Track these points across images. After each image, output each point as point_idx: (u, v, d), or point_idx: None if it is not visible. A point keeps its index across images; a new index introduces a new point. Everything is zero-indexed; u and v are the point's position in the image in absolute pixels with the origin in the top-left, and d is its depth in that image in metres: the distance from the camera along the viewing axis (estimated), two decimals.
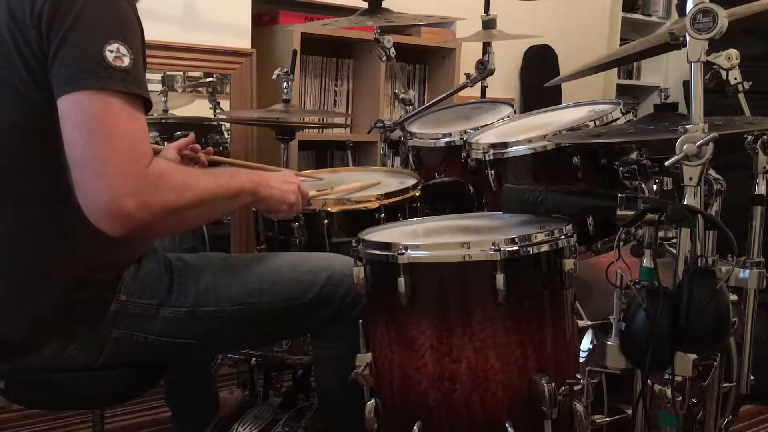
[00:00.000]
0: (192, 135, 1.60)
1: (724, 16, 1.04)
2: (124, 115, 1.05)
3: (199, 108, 2.57)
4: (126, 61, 1.06)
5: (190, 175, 1.16)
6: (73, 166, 1.05)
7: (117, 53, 1.06)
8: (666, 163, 1.07)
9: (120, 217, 1.03)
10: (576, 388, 1.18)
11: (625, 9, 4.12)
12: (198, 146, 1.61)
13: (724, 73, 1.42)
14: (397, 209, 1.59)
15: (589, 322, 1.42)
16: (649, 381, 1.10)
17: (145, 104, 1.10)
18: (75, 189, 1.05)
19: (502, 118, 1.77)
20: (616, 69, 4.07)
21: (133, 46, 1.08)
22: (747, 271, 1.39)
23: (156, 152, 1.54)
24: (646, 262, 1.13)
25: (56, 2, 1.05)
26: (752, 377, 1.47)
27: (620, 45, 3.95)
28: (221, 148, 2.51)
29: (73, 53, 1.05)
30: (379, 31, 2.02)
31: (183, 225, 1.24)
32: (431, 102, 2.04)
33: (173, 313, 1.26)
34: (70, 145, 1.05)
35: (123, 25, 1.09)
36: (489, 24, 2.11)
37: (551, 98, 3.36)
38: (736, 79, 1.43)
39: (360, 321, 1.29)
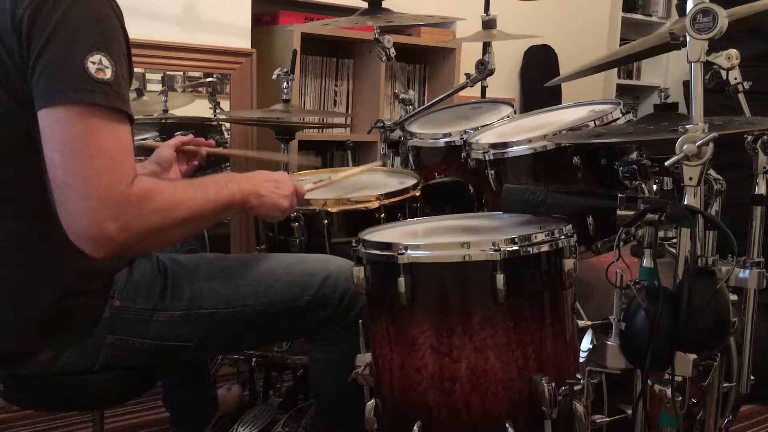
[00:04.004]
0: (191, 136, 1.59)
1: (724, 16, 1.04)
2: (105, 132, 1.02)
3: (199, 108, 2.57)
4: (108, 74, 1.03)
5: (176, 192, 1.12)
6: (55, 187, 1.02)
7: (99, 65, 1.02)
8: (666, 163, 1.07)
9: (101, 241, 1.02)
10: (576, 388, 1.18)
11: (625, 9, 4.12)
12: (202, 139, 1.60)
13: (724, 73, 1.42)
14: (397, 209, 1.59)
15: (589, 322, 1.42)
16: (649, 381, 1.10)
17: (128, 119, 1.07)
18: (57, 209, 1.03)
19: (502, 118, 1.77)
20: (616, 69, 4.07)
21: (116, 58, 1.04)
22: (747, 271, 1.39)
23: (151, 150, 1.54)
24: (646, 262, 1.13)
25: (37, 8, 1.01)
26: (752, 377, 1.47)
27: (620, 45, 3.95)
28: (220, 148, 2.51)
29: (54, 63, 1.01)
30: (379, 31, 2.02)
31: (169, 242, 1.22)
32: (431, 102, 2.04)
33: (168, 317, 1.25)
34: (51, 166, 1.02)
35: (107, 35, 1.05)
36: (489, 24, 2.11)
37: (551, 98, 3.36)
38: (736, 79, 1.43)
39: (356, 324, 1.29)
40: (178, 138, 1.56)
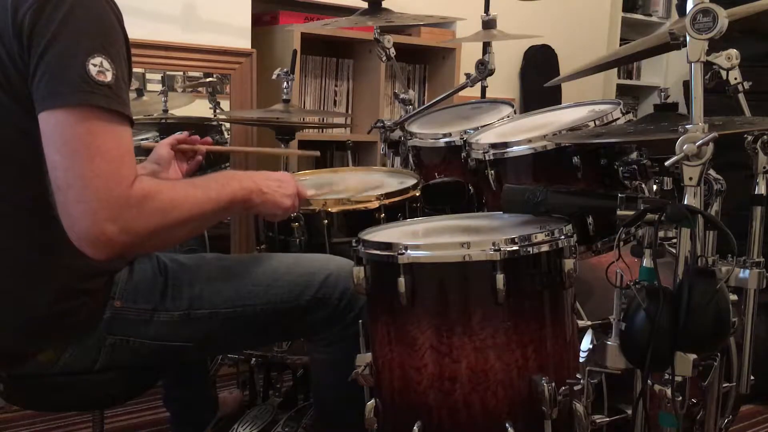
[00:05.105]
0: (186, 133, 1.58)
1: (724, 16, 1.04)
2: (106, 134, 1.02)
3: (199, 108, 2.57)
4: (109, 77, 1.03)
5: (177, 192, 1.11)
6: (55, 189, 1.02)
7: (100, 67, 1.02)
8: (666, 163, 1.07)
9: (102, 242, 1.02)
10: (576, 388, 1.18)
11: (625, 9, 4.12)
12: (197, 137, 1.60)
13: (724, 73, 1.42)
14: (397, 209, 1.59)
15: (589, 322, 1.42)
16: (649, 381, 1.10)
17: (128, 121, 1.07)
18: (58, 211, 1.03)
19: (502, 118, 1.77)
20: (616, 69, 4.07)
21: (116, 61, 1.05)
22: (747, 271, 1.39)
23: (149, 150, 1.54)
24: (646, 262, 1.13)
25: (39, 11, 1.01)
26: (752, 377, 1.47)
27: (620, 45, 3.95)
28: (219, 146, 2.51)
29: (55, 65, 1.01)
30: (379, 31, 2.02)
31: (171, 242, 1.21)
32: (431, 102, 2.04)
33: (168, 317, 1.25)
34: (52, 167, 1.02)
35: (107, 37, 1.05)
36: (489, 24, 2.11)
37: (551, 98, 3.36)
38: (736, 79, 1.43)
39: (356, 323, 1.28)
40: (174, 136, 1.56)
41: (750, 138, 1.37)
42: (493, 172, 1.51)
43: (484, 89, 2.42)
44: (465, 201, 1.67)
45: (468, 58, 2.93)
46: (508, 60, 3.57)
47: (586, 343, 1.38)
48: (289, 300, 1.33)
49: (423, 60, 3.10)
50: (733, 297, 1.30)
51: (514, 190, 1.31)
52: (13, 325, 1.18)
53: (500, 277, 1.10)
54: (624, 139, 1.37)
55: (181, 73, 2.54)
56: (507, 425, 1.13)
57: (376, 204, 1.56)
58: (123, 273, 1.23)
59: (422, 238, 1.32)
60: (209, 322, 1.28)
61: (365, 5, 1.94)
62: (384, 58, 2.06)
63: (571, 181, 1.45)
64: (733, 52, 1.41)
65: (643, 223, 1.13)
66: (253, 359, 1.84)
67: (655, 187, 1.48)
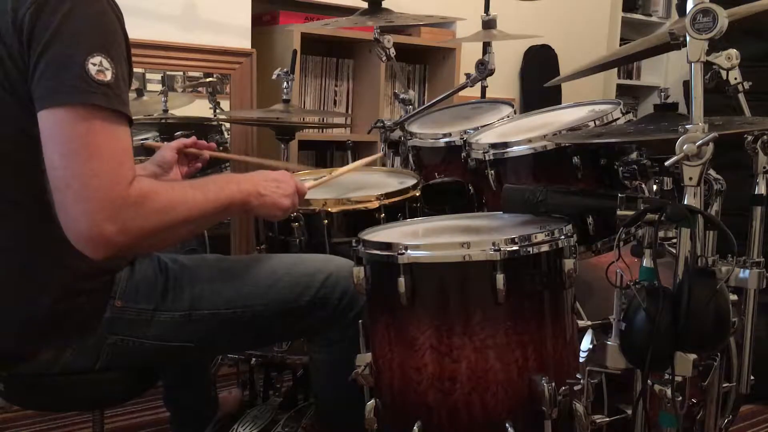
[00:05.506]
0: (194, 138, 1.59)
1: (724, 16, 1.04)
2: (105, 134, 1.02)
3: (199, 108, 2.57)
4: (109, 76, 1.03)
5: (175, 193, 1.11)
6: (54, 188, 1.02)
7: (100, 66, 1.02)
8: (666, 163, 1.07)
9: (100, 242, 1.02)
10: (576, 388, 1.18)
11: (625, 9, 4.12)
12: (203, 142, 1.60)
13: (724, 73, 1.42)
14: (397, 209, 1.59)
15: (589, 322, 1.42)
16: (649, 381, 1.10)
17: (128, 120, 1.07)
18: (56, 210, 1.03)
19: (502, 118, 1.77)
20: (616, 69, 4.07)
21: (116, 60, 1.05)
22: (747, 271, 1.39)
23: (153, 150, 1.54)
24: (646, 262, 1.13)
25: (38, 11, 1.01)
26: (752, 377, 1.47)
27: (620, 45, 3.95)
28: (221, 149, 2.51)
29: (55, 64, 1.01)
30: (379, 31, 2.02)
31: (169, 243, 1.21)
32: (431, 102, 2.04)
33: (169, 318, 1.25)
34: (50, 167, 1.02)
35: (107, 37, 1.05)
36: (489, 24, 2.11)
37: (551, 98, 3.36)
38: (736, 79, 1.43)
39: (356, 324, 1.29)
40: (181, 140, 1.56)
41: (750, 138, 1.37)
42: (493, 172, 1.51)
43: (484, 89, 2.42)
44: (465, 201, 1.67)
45: (468, 58, 2.93)
46: (508, 60, 3.58)
47: (586, 343, 1.38)
48: (290, 300, 1.33)
49: (423, 60, 3.10)
50: (733, 297, 1.29)
51: (514, 190, 1.31)
52: (14, 325, 1.18)
53: (500, 277, 1.10)
54: (624, 139, 1.37)
55: (181, 73, 2.54)
56: (507, 425, 1.13)
57: (376, 204, 1.56)
58: (124, 273, 1.23)
59: (422, 238, 1.32)
60: (210, 323, 1.28)
61: (365, 5, 1.94)
62: (384, 58, 2.06)
63: (571, 181, 1.45)
64: (733, 52, 1.40)
65: (643, 223, 1.13)
66: (253, 359, 1.84)
67: (655, 187, 1.48)
